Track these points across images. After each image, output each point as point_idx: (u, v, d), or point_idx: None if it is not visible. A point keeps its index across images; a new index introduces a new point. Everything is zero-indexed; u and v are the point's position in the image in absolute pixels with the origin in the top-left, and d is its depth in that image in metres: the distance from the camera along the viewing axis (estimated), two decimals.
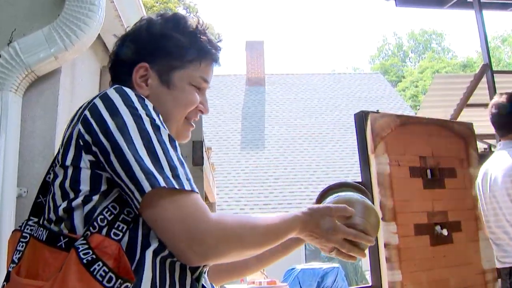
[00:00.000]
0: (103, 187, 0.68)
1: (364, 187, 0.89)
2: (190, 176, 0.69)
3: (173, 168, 0.66)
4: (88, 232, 0.65)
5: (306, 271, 7.07)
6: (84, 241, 0.63)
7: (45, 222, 0.70)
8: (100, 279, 0.59)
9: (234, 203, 9.00)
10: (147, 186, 0.63)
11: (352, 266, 8.24)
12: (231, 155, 10.80)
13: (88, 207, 0.67)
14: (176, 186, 0.64)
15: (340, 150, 10.92)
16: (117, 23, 1.71)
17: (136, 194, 0.64)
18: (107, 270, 0.60)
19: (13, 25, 1.46)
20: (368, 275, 7.32)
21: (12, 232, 0.74)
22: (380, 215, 0.85)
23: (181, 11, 15.30)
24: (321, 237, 0.80)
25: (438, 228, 1.90)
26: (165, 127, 0.71)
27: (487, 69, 3.25)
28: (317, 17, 62.22)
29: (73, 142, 0.69)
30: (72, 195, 0.68)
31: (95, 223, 0.65)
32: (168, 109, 0.79)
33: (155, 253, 0.66)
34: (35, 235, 0.69)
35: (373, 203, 0.86)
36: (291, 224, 0.78)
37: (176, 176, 0.66)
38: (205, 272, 0.76)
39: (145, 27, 0.82)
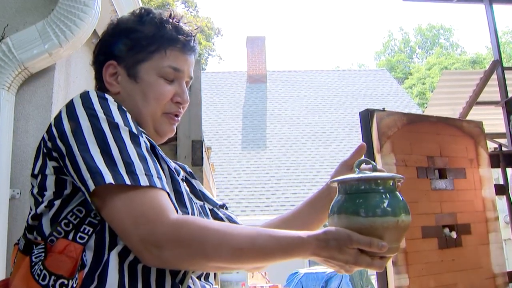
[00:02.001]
0: (67, 191, 0.67)
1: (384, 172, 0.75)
2: (153, 171, 0.65)
3: (128, 164, 0.64)
4: (53, 238, 0.65)
5: (310, 276, 6.99)
6: (42, 246, 0.65)
7: (26, 231, 0.71)
8: (37, 277, 0.62)
9: (234, 205, 8.93)
10: (91, 185, 0.62)
11: (357, 270, 8.08)
12: (232, 155, 10.75)
13: (52, 211, 0.67)
14: (127, 182, 0.62)
15: (344, 149, 10.83)
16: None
17: (86, 194, 0.63)
18: (42, 268, 0.62)
19: (6, 20, 1.42)
20: (374, 280, 7.20)
21: (13, 246, 0.76)
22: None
23: (179, 5, 15.23)
24: (338, 266, 0.69)
25: (446, 230, 1.85)
26: (130, 124, 0.69)
27: (498, 65, 3.18)
28: (320, 11, 62.20)
29: (40, 150, 0.71)
30: (40, 201, 0.69)
31: (59, 228, 0.66)
32: (138, 103, 0.78)
33: (122, 256, 0.64)
34: (19, 245, 0.71)
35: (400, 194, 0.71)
36: (293, 248, 0.65)
37: (130, 172, 0.63)
38: (198, 275, 0.72)
39: (111, 26, 0.82)
